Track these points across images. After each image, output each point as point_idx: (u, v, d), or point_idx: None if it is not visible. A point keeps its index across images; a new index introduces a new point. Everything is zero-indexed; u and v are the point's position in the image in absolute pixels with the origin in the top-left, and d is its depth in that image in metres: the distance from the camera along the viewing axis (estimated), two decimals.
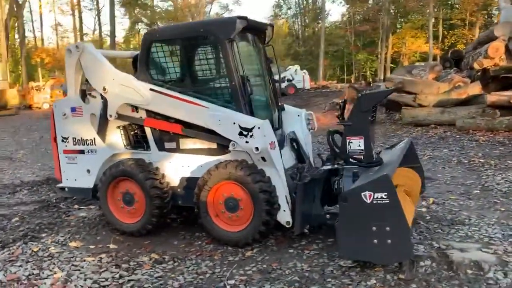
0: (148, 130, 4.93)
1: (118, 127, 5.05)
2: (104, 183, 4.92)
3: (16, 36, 48.00)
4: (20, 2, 42.99)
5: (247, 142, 4.34)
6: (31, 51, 49.31)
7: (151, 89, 4.68)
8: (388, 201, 3.55)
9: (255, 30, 5.08)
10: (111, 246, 4.62)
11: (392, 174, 3.87)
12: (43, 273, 3.95)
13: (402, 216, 3.57)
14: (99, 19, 51.64)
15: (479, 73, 13.50)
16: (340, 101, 4.97)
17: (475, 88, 12.38)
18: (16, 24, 45.07)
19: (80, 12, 50.29)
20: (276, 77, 5.42)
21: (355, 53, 53.53)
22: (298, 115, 5.44)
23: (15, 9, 41.84)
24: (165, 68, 4.92)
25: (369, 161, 4.50)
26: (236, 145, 4.40)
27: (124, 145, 5.07)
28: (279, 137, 5.21)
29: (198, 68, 4.93)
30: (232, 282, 3.71)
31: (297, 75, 30.85)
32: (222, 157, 4.59)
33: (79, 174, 5.23)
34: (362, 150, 4.68)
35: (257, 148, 4.29)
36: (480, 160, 7.69)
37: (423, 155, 8.60)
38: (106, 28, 50.26)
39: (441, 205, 5.44)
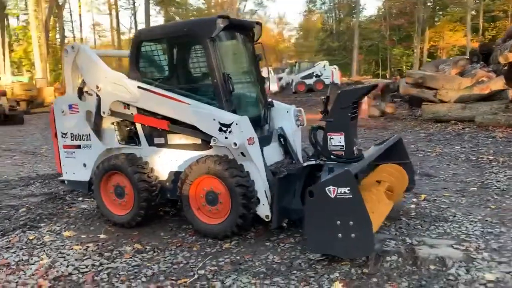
0: (139, 126, 5.14)
1: (112, 123, 5.30)
2: (97, 177, 5.19)
3: (57, 36, 50.03)
4: (60, 3, 44.76)
5: (226, 137, 4.47)
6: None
7: (138, 87, 4.89)
8: (350, 196, 3.61)
9: (241, 29, 5.20)
10: (101, 236, 4.87)
11: (359, 169, 3.91)
12: (31, 259, 4.23)
13: (364, 211, 3.61)
14: (135, 18, 53.19)
15: (505, 67, 13.03)
16: (323, 98, 5.01)
17: (498, 83, 11.99)
18: (56, 25, 46.93)
19: (117, 12, 51.89)
20: (265, 74, 5.52)
21: (390, 48, 52.51)
22: (287, 111, 5.52)
23: (56, 10, 43.58)
24: (153, 66, 5.12)
25: (349, 157, 4.55)
26: (217, 141, 4.55)
27: (118, 140, 5.30)
28: (267, 133, 5.33)
29: (183, 66, 5.11)
30: (202, 272, 3.85)
31: (325, 71, 30.64)
32: (206, 152, 4.74)
33: (76, 168, 5.53)
34: (343, 146, 4.72)
35: (235, 144, 4.41)
36: (489, 157, 7.50)
37: (432, 151, 8.48)
38: (142, 27, 51.58)
39: (431, 202, 5.39)
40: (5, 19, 43.96)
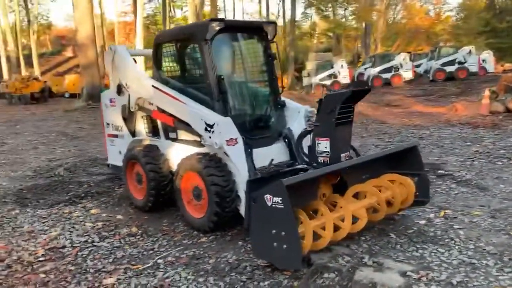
0: (159, 121, 5.65)
1: (142, 116, 5.91)
2: (124, 164, 5.86)
3: None
4: None
5: (210, 137, 4.68)
6: None
7: (153, 86, 5.37)
8: (282, 206, 3.54)
9: (250, 30, 5.28)
10: (118, 216, 5.53)
11: (302, 180, 3.76)
12: (49, 230, 5.09)
13: (293, 224, 3.53)
14: (283, 6, 54.42)
15: None
16: (317, 101, 4.80)
17: None
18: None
19: None
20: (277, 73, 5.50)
21: None
22: (299, 112, 5.44)
23: None
24: (169, 67, 5.53)
25: (316, 162, 4.43)
26: (204, 140, 4.79)
27: (146, 132, 5.90)
28: (272, 133, 5.33)
29: (188, 67, 5.41)
30: (160, 261, 4.19)
31: (471, 57, 27.54)
32: (203, 149, 5.02)
33: (115, 154, 6.32)
34: (328, 152, 4.55)
35: (216, 143, 4.60)
36: None
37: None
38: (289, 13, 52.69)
39: (448, 219, 4.81)
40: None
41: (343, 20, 53.46)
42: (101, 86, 21.67)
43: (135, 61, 5.99)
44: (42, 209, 5.90)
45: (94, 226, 5.17)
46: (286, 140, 5.29)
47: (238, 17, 69.16)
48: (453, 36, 57.24)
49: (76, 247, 4.61)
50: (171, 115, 5.24)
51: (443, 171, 6.78)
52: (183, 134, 5.30)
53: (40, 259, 4.35)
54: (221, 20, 4.83)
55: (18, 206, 6.05)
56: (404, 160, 4.91)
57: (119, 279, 3.85)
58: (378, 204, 4.43)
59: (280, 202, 3.55)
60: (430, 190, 5.79)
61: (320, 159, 4.64)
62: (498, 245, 4.09)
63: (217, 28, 4.79)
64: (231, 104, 5.01)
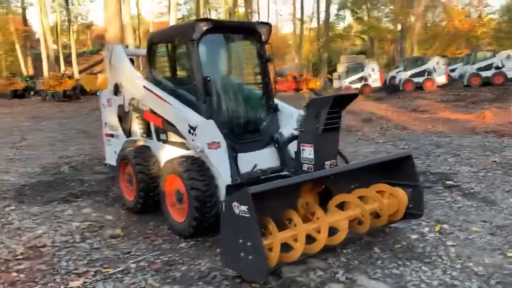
0: (151, 122, 5.58)
1: (137, 117, 5.86)
2: (117, 164, 5.83)
3: None
4: None
5: (193, 140, 4.57)
6: None
7: (144, 86, 5.31)
8: (248, 216, 3.38)
9: (242, 31, 5.14)
10: (107, 217, 5.50)
11: (272, 187, 3.57)
12: (36, 228, 5.10)
13: (258, 235, 3.35)
14: (318, 7, 53.91)
15: None
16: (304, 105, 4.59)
17: None
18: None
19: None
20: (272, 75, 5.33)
21: None
22: (292, 116, 5.25)
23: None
24: (161, 67, 5.45)
25: (301, 169, 4.24)
26: (187, 142, 4.68)
27: (141, 133, 5.85)
28: (262, 137, 5.16)
29: (177, 68, 5.31)
30: (133, 265, 4.10)
31: (509, 62, 26.31)
32: (190, 152, 4.91)
33: (112, 154, 6.30)
34: (312, 159, 4.35)
35: (198, 147, 4.49)
36: None
37: None
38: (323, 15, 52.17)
39: (443, 235, 4.50)
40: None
41: (378, 22, 52.50)
42: None
43: (132, 61, 5.96)
44: (37, 206, 5.95)
45: (79, 226, 5.15)
46: (276, 145, 5.12)
47: (272, 19, 69.10)
48: (495, 40, 55.14)
49: (56, 246, 4.59)
50: (160, 116, 5.16)
51: (451, 182, 6.41)
52: (172, 136, 5.21)
53: (18, 257, 4.34)
54: (208, 20, 4.72)
55: (15, 202, 6.13)
56: (397, 170, 4.64)
57: (85, 282, 3.77)
58: (362, 216, 4.19)
59: (246, 210, 3.38)
60: (433, 202, 5.51)
61: (305, 166, 4.44)
62: (489, 265, 3.77)
63: (204, 28, 4.67)
64: (218, 106, 4.88)
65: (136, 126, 5.89)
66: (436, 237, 4.45)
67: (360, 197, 4.31)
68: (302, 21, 56.87)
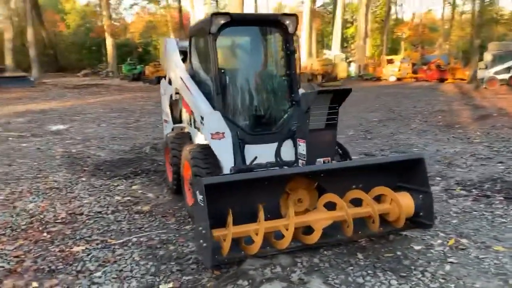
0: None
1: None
2: (163, 147, 6.37)
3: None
4: None
5: (202, 129, 4.82)
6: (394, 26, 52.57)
7: (180, 77, 5.70)
8: (202, 205, 3.52)
9: (266, 24, 5.16)
10: (149, 194, 6.08)
11: (231, 180, 3.62)
12: (86, 198, 5.90)
13: (207, 224, 3.47)
14: None
15: None
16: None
17: None
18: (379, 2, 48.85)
19: None
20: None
21: None
22: None
23: None
24: (196, 59, 5.75)
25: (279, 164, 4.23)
26: (201, 131, 4.94)
27: (187, 121, 6.29)
28: (280, 131, 5.14)
29: (203, 61, 5.53)
30: (135, 239, 4.53)
31: None
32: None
33: None
34: (305, 155, 4.27)
35: (205, 136, 4.72)
36: None
37: None
38: None
39: (453, 250, 4.03)
40: None
41: None
42: None
43: (185, 53, 6.37)
44: (102, 179, 6.83)
45: (119, 200, 5.80)
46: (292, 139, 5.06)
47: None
48: None
49: (90, 216, 5.28)
50: (188, 105, 5.51)
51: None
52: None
53: (57, 220, 5.13)
54: (226, 14, 4.85)
55: (88, 175, 7.10)
56: (407, 173, 4.26)
57: (87, 248, 4.31)
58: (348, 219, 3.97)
59: (201, 199, 3.53)
60: (475, 213, 4.93)
61: (300, 162, 4.37)
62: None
63: (221, 22, 4.82)
64: (234, 98, 5.01)
65: (183, 114, 6.34)
66: (442, 252, 4.00)
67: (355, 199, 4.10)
68: (453, 4, 52.19)
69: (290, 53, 5.18)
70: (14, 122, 13.36)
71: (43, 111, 15.94)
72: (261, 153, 4.83)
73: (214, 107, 4.88)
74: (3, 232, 4.77)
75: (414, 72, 35.39)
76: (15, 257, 4.16)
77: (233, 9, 20.64)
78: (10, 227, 4.93)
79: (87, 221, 5.09)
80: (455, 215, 4.97)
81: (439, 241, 4.23)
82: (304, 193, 4.21)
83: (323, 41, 61.33)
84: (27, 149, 9.36)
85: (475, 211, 5.06)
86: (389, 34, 50.53)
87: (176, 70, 5.95)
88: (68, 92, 25.48)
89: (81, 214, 5.34)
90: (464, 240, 4.23)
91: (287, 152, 5.04)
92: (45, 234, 4.73)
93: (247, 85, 5.16)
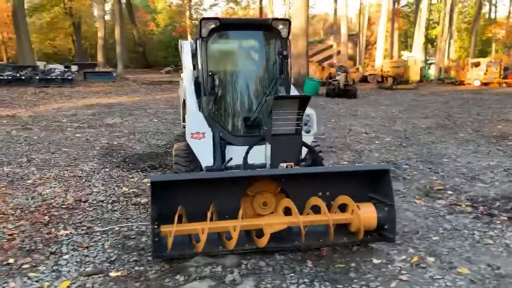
0: None
1: None
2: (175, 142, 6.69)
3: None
4: None
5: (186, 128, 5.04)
6: (485, 26, 48.94)
7: (182, 78, 5.97)
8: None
9: (258, 28, 5.24)
10: None
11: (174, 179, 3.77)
12: (98, 187, 6.38)
13: (152, 219, 3.67)
14: None
15: None
16: None
17: None
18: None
19: None
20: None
21: None
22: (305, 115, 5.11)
23: None
24: (196, 61, 5.96)
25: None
26: None
27: None
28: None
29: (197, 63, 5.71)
30: (117, 229, 4.86)
31: None
32: None
33: None
34: (269, 158, 4.33)
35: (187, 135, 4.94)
36: None
37: None
38: None
39: (413, 268, 3.85)
40: None
41: None
42: (307, 75, 22.84)
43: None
44: (122, 171, 7.31)
45: (124, 192, 6.21)
46: None
47: None
48: None
49: (92, 204, 5.73)
50: None
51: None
52: None
53: (63, 206, 5.64)
54: (216, 19, 5.01)
55: (113, 167, 7.64)
56: (375, 184, 4.15)
57: (71, 233, 4.72)
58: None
59: (150, 196, 3.74)
60: (465, 231, 4.66)
61: (267, 166, 4.41)
62: None
63: (210, 26, 5.00)
64: (220, 100, 5.17)
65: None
66: (399, 268, 3.84)
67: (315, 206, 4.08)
68: None
69: (282, 57, 5.22)
70: (80, 114, 14.58)
71: (110, 105, 17.19)
72: (242, 154, 4.93)
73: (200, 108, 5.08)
74: (13, 212, 5.35)
75: (505, 77, 32.71)
76: (9, 235, 4.68)
77: (295, 13, 20.65)
78: (21, 208, 5.51)
79: (87, 209, 5.53)
80: (441, 232, 4.69)
81: (403, 256, 4.05)
82: (269, 196, 4.26)
83: (406, 42, 58.92)
84: (77, 139, 10.22)
85: (467, 229, 4.74)
86: (479, 35, 47.24)
87: (184, 71, 6.23)
88: (143, 87, 27.10)
89: (86, 201, 5.80)
90: (430, 259, 4.01)
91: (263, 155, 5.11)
92: (46, 217, 5.23)
93: (237, 88, 5.30)
